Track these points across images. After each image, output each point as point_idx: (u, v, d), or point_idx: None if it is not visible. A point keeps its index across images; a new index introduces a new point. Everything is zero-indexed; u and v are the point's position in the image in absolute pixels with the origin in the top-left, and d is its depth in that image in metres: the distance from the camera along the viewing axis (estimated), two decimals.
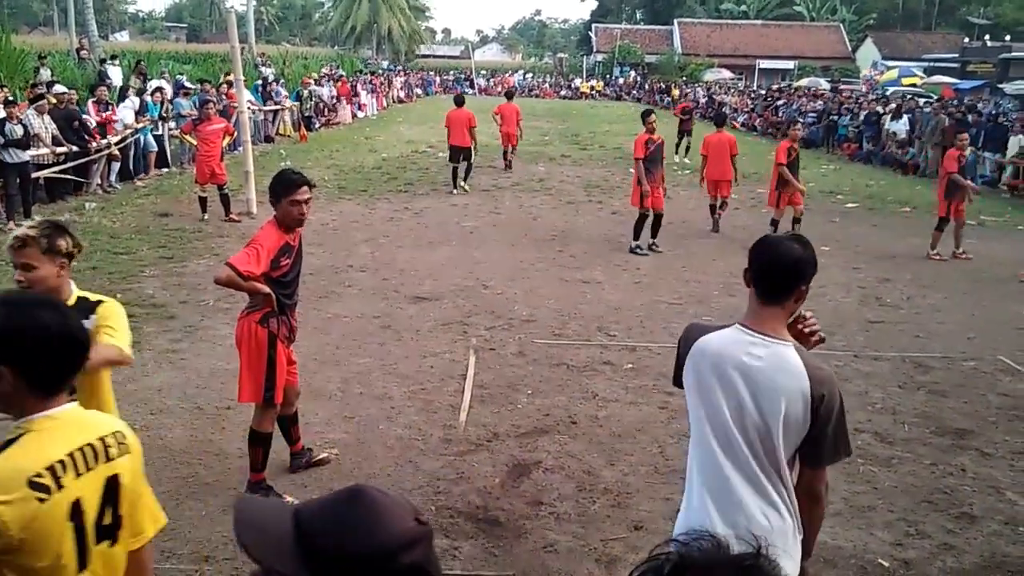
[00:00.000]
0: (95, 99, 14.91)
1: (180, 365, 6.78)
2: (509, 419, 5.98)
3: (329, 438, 5.59)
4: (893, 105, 24.39)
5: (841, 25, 62.05)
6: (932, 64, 45.99)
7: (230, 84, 17.82)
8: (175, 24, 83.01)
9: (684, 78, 53.07)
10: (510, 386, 6.58)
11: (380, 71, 47.50)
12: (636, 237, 11.34)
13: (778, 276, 2.61)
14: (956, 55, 48.55)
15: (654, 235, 11.48)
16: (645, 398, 6.43)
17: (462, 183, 15.97)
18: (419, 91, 49.88)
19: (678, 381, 2.83)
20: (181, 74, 23.02)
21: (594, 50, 65.70)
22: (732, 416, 2.56)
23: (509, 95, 20.20)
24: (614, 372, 6.95)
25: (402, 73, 52.08)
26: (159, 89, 17.85)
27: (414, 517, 1.23)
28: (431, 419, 5.94)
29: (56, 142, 12.98)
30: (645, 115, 11.57)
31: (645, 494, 5.00)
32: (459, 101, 16.61)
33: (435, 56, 78.36)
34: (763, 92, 37.95)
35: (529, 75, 66.18)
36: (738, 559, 1.01)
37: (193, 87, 19.03)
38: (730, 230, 13.10)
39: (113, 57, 23.07)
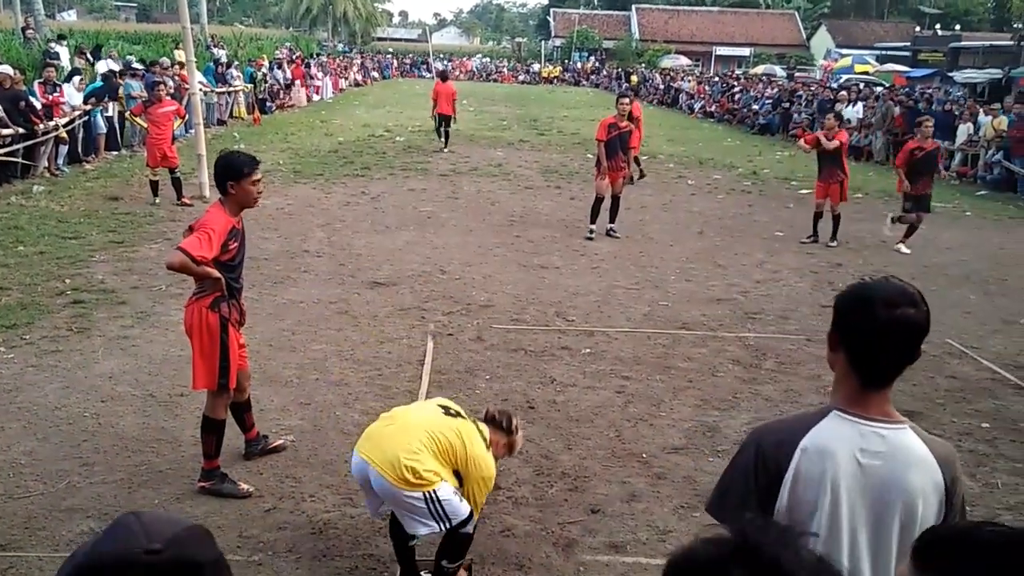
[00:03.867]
0: (42, 80, 14.51)
1: (131, 352, 6.65)
2: (467, 404, 5.92)
3: (285, 425, 5.54)
4: (844, 92, 24.69)
5: (796, 13, 62.82)
6: (884, 52, 46.70)
7: (181, 65, 17.49)
8: (125, 3, 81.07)
9: (642, 64, 53.29)
10: (468, 371, 6.57)
11: (336, 54, 46.98)
12: (592, 220, 11.36)
13: (901, 358, 1.93)
14: (908, 44, 49.35)
15: (612, 219, 11.50)
16: (602, 382, 6.47)
17: (443, 147, 18.99)
18: (375, 74, 49.42)
19: (748, 503, 2.00)
20: (131, 55, 22.47)
21: (552, 35, 65.67)
22: (850, 544, 1.96)
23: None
24: (572, 357, 6.98)
25: (359, 56, 51.57)
26: (112, 72, 17.44)
27: (145, 548, 1.08)
28: (389, 405, 5.87)
29: (2, 124, 12.62)
30: (618, 98, 11.62)
31: (602, 477, 5.03)
32: (443, 76, 20.12)
33: (392, 39, 77.70)
34: (717, 79, 38.22)
35: (487, 59, 65.92)
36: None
37: (141, 68, 18.61)
38: (685, 216, 13.21)
39: (60, 37, 22.48)
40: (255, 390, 5.57)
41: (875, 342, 1.90)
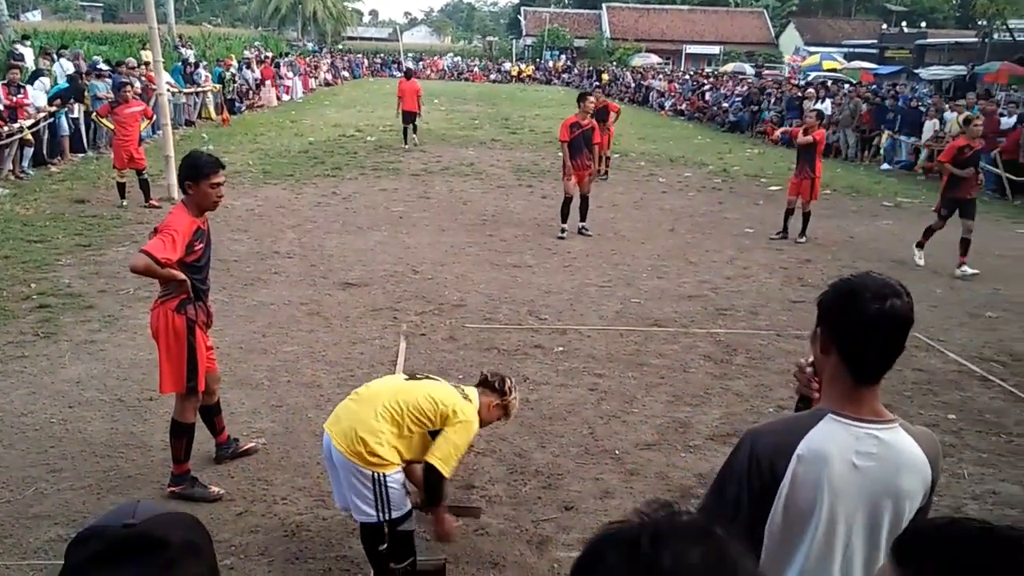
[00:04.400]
0: (5, 82, 14.29)
1: (99, 356, 6.57)
2: None
3: (256, 427, 5.50)
4: (812, 90, 24.91)
5: (765, 11, 63.36)
6: (852, 50, 47.21)
7: (148, 65, 17.31)
8: (90, 3, 79.97)
9: (613, 62, 53.48)
10: (441, 371, 6.52)
11: (305, 53, 46.70)
12: (563, 220, 11.37)
13: (892, 350, 1.93)
14: (875, 41, 49.94)
15: (583, 218, 11.51)
16: (575, 380, 6.48)
17: (414, 141, 19.69)
18: (346, 74, 49.18)
19: (741, 507, 1.99)
20: (97, 55, 22.19)
21: (523, 34, 65.69)
22: (844, 546, 1.97)
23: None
24: (544, 355, 6.99)
25: (329, 55, 51.28)
26: (78, 73, 17.22)
27: (123, 523, 1.18)
28: None
29: None
30: (580, 97, 11.44)
31: (575, 475, 5.05)
32: (408, 75, 20.73)
33: (362, 38, 77.33)
34: (688, 77, 38.43)
35: (458, 58, 65.83)
36: (689, 521, 1.01)
37: (107, 69, 18.40)
38: (657, 213, 13.28)
39: (25, 37, 22.15)
40: (225, 393, 5.53)
41: (867, 337, 1.88)
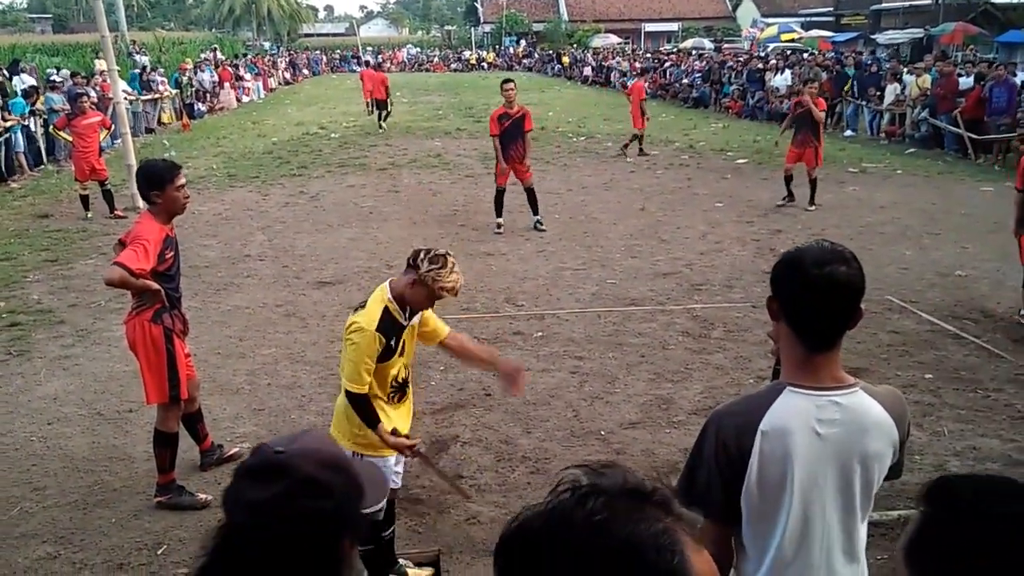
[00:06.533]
0: None
1: (75, 371, 6.50)
2: (423, 396, 5.94)
3: (240, 432, 5.46)
4: (774, 61, 25.05)
5: None
6: (808, 19, 47.44)
7: (103, 74, 17.05)
8: (39, 15, 78.52)
9: (573, 45, 53.40)
10: (422, 363, 6.53)
11: (262, 53, 46.26)
12: (497, 213, 10.91)
13: (837, 317, 1.93)
14: (830, 8, 50.19)
15: (535, 211, 11.01)
16: (556, 364, 6.50)
17: (383, 125, 21.59)
18: (306, 71, 48.78)
19: (713, 488, 2.01)
20: (51, 68, 21.86)
21: (481, 21, 65.42)
22: (816, 513, 1.98)
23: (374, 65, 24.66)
24: (524, 341, 7.00)
25: (286, 53, 50.82)
26: (35, 87, 16.95)
27: (276, 448, 1.39)
28: None
29: None
30: (502, 84, 10.73)
31: (563, 458, 5.07)
32: (378, 66, 23.24)
33: (319, 35, 76.65)
34: (649, 55, 38.45)
35: (417, 49, 65.45)
36: (633, 485, 1.01)
37: (61, 81, 18.10)
38: (626, 193, 13.31)
39: None
40: (206, 400, 5.49)
41: (808, 301, 1.90)
